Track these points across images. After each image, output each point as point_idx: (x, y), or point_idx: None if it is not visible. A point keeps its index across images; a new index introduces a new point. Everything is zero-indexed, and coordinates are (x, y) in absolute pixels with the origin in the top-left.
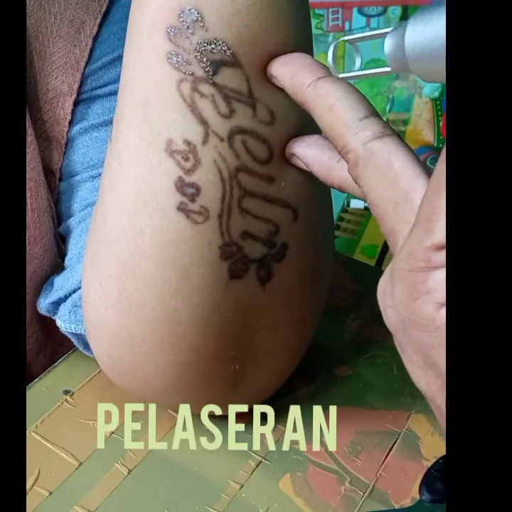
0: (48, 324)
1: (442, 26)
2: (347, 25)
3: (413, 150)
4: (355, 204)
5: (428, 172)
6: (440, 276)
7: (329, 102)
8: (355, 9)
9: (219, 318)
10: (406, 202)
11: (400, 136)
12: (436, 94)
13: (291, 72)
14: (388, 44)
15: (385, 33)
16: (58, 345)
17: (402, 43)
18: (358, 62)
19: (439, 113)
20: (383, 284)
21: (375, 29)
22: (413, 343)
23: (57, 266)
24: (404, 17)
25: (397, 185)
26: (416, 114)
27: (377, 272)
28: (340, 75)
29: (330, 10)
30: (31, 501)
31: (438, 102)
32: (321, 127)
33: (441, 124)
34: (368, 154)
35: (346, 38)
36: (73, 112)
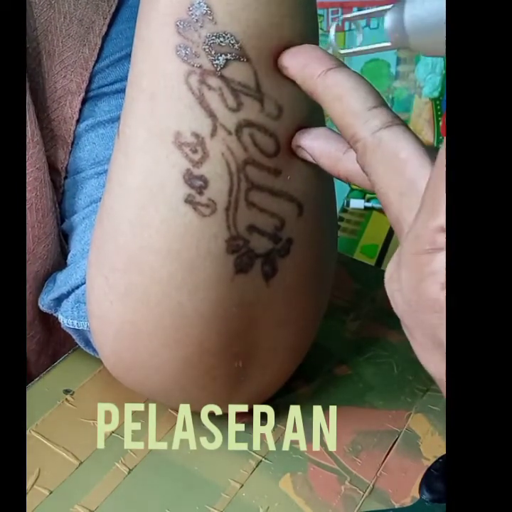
0: (50, 324)
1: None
2: (347, 25)
3: (421, 140)
4: (355, 204)
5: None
6: (445, 258)
7: (339, 92)
8: (355, 9)
9: (223, 312)
10: (411, 191)
11: (409, 127)
12: (435, 94)
13: (302, 62)
14: (389, 20)
15: (386, 10)
16: (60, 346)
17: (402, 17)
18: (359, 39)
19: (439, 113)
20: (390, 271)
21: (375, 29)
22: (420, 325)
23: (60, 265)
24: None
25: (402, 175)
26: (416, 114)
27: (377, 271)
28: (342, 51)
29: (330, 10)
30: (31, 501)
31: (438, 102)
32: (330, 117)
33: (440, 124)
34: (377, 143)
35: (348, 15)
36: (80, 110)
